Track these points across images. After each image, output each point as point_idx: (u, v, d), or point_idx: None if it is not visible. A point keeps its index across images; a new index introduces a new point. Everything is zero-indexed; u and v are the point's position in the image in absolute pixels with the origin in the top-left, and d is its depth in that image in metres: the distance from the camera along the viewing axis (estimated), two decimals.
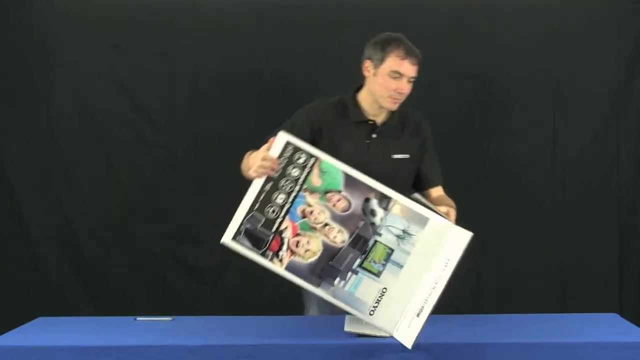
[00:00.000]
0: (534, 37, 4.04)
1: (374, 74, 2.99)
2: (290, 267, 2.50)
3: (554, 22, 4.05)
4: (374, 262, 2.49)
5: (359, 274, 2.49)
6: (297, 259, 2.51)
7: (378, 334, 2.47)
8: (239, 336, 2.52)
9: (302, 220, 2.52)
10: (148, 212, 4.07)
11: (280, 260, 2.52)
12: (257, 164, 2.58)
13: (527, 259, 4.02)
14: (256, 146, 2.72)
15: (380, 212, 2.52)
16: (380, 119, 3.06)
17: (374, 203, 2.52)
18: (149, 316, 2.82)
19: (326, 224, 2.51)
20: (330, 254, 2.50)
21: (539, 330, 2.57)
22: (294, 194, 2.54)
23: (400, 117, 3.08)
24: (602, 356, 2.37)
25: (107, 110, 4.06)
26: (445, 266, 2.41)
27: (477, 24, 4.00)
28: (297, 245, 2.51)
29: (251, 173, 2.61)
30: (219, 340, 2.47)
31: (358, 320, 2.58)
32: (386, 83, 2.96)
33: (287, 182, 2.55)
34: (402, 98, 2.99)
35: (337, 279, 2.48)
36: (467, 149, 4.02)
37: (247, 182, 2.63)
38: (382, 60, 2.96)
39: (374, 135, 3.04)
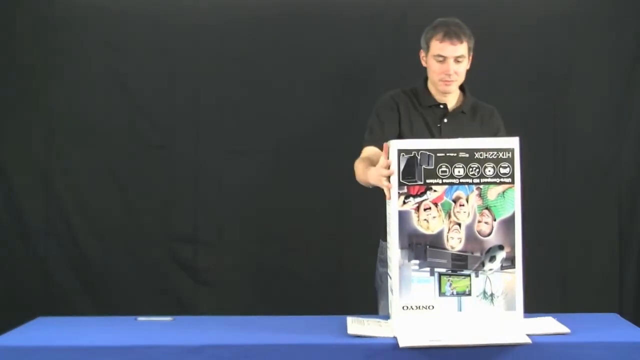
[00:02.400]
0: (534, 37, 4.05)
1: (426, 62, 3.15)
2: (401, 215, 2.50)
3: (554, 21, 4.05)
4: (450, 285, 2.51)
5: (432, 278, 2.50)
6: (413, 215, 2.50)
7: (382, 334, 2.47)
8: (239, 336, 2.52)
9: (449, 202, 2.52)
10: (148, 212, 4.07)
11: (403, 203, 2.51)
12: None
13: (527, 259, 4.01)
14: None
15: (496, 265, 2.53)
16: (451, 104, 3.17)
17: (501, 255, 2.54)
18: (149, 316, 2.82)
19: (458, 224, 2.52)
20: (435, 242, 2.51)
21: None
22: (469, 181, 2.53)
23: (472, 105, 3.20)
24: (602, 356, 2.37)
25: (107, 110, 4.06)
26: (480, 338, 2.43)
27: (477, 23, 3.98)
28: (425, 210, 2.51)
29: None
30: (219, 340, 2.47)
31: (360, 322, 2.58)
32: (434, 67, 3.10)
33: (476, 169, 2.54)
34: (455, 79, 3.10)
35: (417, 261, 2.50)
36: None
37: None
38: (428, 48, 3.12)
39: (445, 120, 3.15)
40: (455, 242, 2.52)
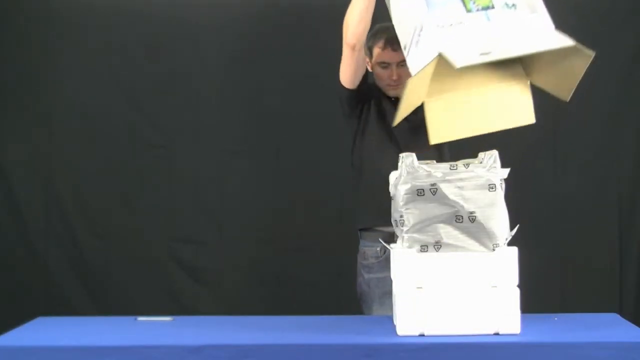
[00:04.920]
0: None
1: (371, 68, 3.20)
2: None
3: (554, 21, 4.05)
4: (473, 2, 2.56)
5: None
6: None
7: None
8: (239, 336, 2.52)
9: None
10: (148, 212, 4.07)
11: None
12: None
13: (527, 259, 4.02)
14: None
15: None
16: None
17: None
18: (149, 316, 2.82)
19: None
20: None
21: (539, 330, 2.57)
22: None
23: None
24: (602, 356, 2.37)
25: (107, 110, 4.06)
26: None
27: None
28: None
29: None
30: (219, 340, 2.47)
31: None
32: (379, 73, 3.16)
33: None
34: (399, 83, 3.11)
35: None
36: (466, 148, 4.01)
37: None
38: (371, 55, 3.18)
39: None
40: None
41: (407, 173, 2.47)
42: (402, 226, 2.47)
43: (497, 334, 2.45)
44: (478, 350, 2.39)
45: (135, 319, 2.79)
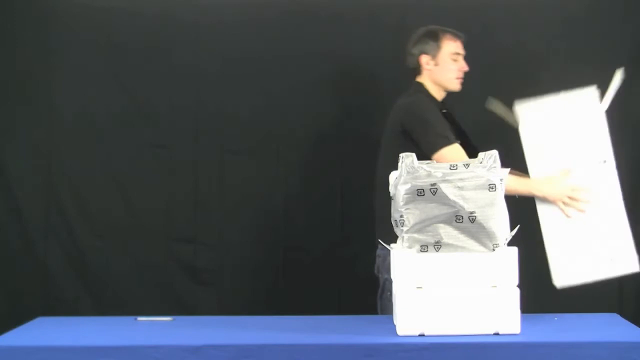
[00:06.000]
0: (535, 36, 4.05)
1: (435, 64, 3.23)
2: None
3: (554, 21, 4.05)
4: None
5: None
6: None
7: None
8: (239, 336, 2.52)
9: None
10: (148, 212, 4.07)
11: None
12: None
13: (527, 259, 4.01)
14: None
15: None
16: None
17: None
18: (149, 316, 2.83)
19: None
20: None
21: (539, 330, 2.57)
22: None
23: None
24: (602, 356, 2.37)
25: (107, 110, 4.06)
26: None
27: (477, 24, 3.99)
28: None
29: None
30: (219, 340, 2.47)
31: None
32: (450, 66, 3.22)
33: None
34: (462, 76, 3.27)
35: None
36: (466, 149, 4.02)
37: None
38: (439, 48, 3.21)
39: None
40: None
41: (407, 173, 2.47)
42: (402, 226, 2.48)
43: (497, 334, 2.45)
44: (478, 350, 2.39)
45: (135, 319, 2.79)
